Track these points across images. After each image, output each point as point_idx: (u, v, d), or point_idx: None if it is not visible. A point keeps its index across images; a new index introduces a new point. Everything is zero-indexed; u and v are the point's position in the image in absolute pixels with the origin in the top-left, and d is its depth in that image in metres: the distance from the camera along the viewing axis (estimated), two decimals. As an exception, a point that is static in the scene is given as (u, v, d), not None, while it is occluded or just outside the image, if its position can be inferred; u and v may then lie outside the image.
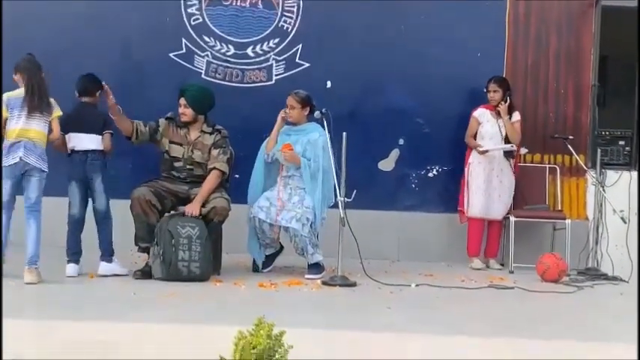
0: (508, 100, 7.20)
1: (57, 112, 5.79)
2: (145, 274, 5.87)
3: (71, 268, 5.90)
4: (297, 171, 6.33)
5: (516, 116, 7.27)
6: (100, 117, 6.09)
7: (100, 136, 6.00)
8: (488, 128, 7.23)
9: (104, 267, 5.97)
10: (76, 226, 6.01)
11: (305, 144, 6.34)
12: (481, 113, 7.27)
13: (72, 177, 6.00)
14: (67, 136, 5.99)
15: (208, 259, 5.85)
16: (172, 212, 6.09)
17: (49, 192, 6.34)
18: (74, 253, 5.96)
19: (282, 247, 6.54)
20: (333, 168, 6.03)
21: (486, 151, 7.13)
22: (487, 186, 7.17)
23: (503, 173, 7.22)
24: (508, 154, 7.22)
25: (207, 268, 5.84)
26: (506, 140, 7.20)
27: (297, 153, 6.27)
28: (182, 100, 6.17)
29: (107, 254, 6.00)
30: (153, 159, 6.47)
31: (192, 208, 5.94)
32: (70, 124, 5.97)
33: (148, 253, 5.98)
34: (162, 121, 6.25)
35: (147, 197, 5.91)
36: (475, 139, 7.24)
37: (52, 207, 6.19)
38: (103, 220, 6.03)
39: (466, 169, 7.27)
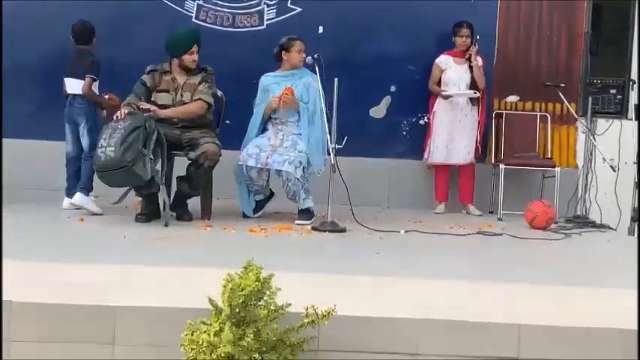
0: (477, 45, 7.21)
1: None
2: (148, 216, 5.94)
3: (66, 201, 6.34)
4: (292, 117, 6.31)
5: (480, 61, 7.28)
6: (86, 63, 6.33)
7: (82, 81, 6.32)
8: (452, 75, 7.24)
9: (78, 197, 6.21)
10: (70, 163, 6.42)
11: (301, 89, 6.31)
12: (444, 60, 7.27)
13: (65, 119, 6.42)
14: (66, 79, 6.39)
15: (128, 146, 5.56)
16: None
17: (44, 136, 6.66)
18: (68, 187, 6.38)
19: (272, 194, 6.55)
20: (325, 114, 6.01)
21: (450, 96, 7.17)
22: (450, 132, 7.23)
23: (466, 118, 7.26)
24: (473, 100, 7.24)
25: (124, 154, 5.54)
26: (472, 86, 7.21)
27: (295, 97, 6.26)
28: (195, 47, 6.14)
29: (84, 188, 6.25)
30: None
31: (158, 112, 5.95)
32: (66, 70, 6.40)
33: (148, 200, 6.03)
34: (146, 78, 6.18)
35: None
36: (440, 87, 7.27)
37: (47, 151, 6.78)
38: (86, 159, 6.30)
39: (430, 117, 7.32)
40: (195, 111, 6.09)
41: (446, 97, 7.20)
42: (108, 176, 5.67)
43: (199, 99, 6.10)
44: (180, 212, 6.10)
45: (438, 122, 7.27)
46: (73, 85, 6.33)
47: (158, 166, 5.84)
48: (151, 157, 5.69)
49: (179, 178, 6.13)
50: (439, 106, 7.28)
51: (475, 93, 7.19)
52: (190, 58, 6.15)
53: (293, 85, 6.30)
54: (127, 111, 5.80)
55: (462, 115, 7.25)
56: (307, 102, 6.29)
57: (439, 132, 7.26)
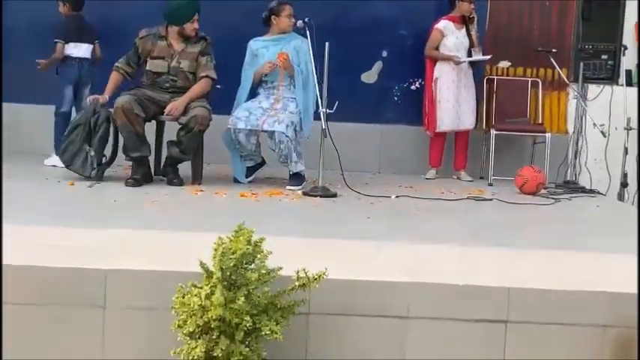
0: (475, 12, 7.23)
1: None
2: (137, 181, 5.93)
3: (54, 159, 6.56)
4: (285, 80, 6.29)
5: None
6: (91, 28, 6.90)
7: (92, 46, 6.88)
8: (453, 40, 7.20)
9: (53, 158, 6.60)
10: (65, 122, 6.59)
11: (291, 52, 6.28)
12: (445, 25, 7.21)
13: (70, 80, 6.77)
14: (66, 44, 6.74)
15: (67, 145, 6.00)
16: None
17: (33, 100, 7.09)
18: (56, 146, 6.55)
19: (263, 161, 6.54)
20: (315, 78, 5.98)
21: (463, 62, 7.14)
22: (458, 97, 7.20)
23: (469, 82, 7.27)
24: (473, 64, 7.24)
25: (63, 154, 6.02)
26: (469, 51, 7.20)
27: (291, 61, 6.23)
28: (197, 16, 6.13)
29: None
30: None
31: (175, 106, 5.96)
32: (69, 34, 6.73)
33: (139, 163, 6.02)
34: (139, 43, 6.16)
35: (130, 106, 5.87)
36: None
37: (34, 114, 6.97)
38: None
39: (433, 85, 7.22)
40: (204, 90, 6.13)
41: (458, 63, 7.14)
42: None
43: (206, 76, 6.11)
44: (171, 177, 6.09)
45: (444, 88, 7.19)
46: (83, 50, 6.78)
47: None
48: (92, 154, 5.93)
49: (169, 142, 6.12)
50: (441, 71, 7.21)
51: (490, 56, 7.21)
52: (192, 27, 6.12)
53: (283, 50, 6.26)
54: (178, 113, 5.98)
55: (465, 80, 7.23)
56: (299, 65, 6.26)
57: (446, 98, 7.18)
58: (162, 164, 6.24)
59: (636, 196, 7.12)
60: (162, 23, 6.21)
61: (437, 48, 7.22)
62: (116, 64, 6.14)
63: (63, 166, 6.17)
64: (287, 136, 6.03)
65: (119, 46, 6.42)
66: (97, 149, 5.99)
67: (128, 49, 6.23)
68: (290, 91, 6.29)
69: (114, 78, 6.15)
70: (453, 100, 7.18)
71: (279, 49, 6.27)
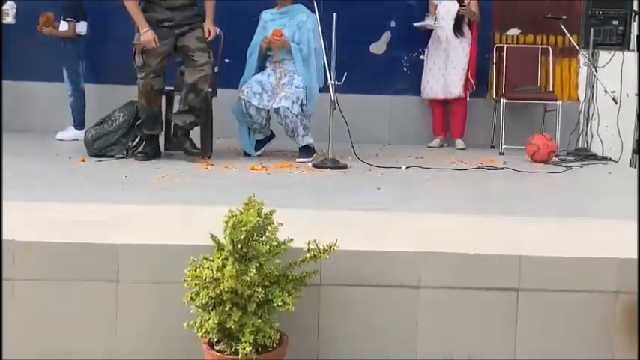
0: None
1: None
2: (147, 155, 5.99)
3: (69, 133, 7.01)
4: (287, 55, 6.26)
5: None
6: (82, 6, 7.15)
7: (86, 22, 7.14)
8: (441, 8, 7.31)
9: (70, 132, 7.02)
10: (84, 96, 7.13)
11: (293, 28, 6.24)
12: None
13: (81, 57, 7.13)
14: (78, 23, 7.03)
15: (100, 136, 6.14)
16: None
17: (41, 78, 7.29)
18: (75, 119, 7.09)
19: (272, 135, 6.53)
20: (324, 51, 5.95)
21: (428, 26, 7.31)
22: (440, 66, 7.29)
23: (454, 52, 7.28)
24: (458, 34, 7.22)
25: (94, 143, 6.13)
26: (458, 19, 7.23)
27: (286, 37, 6.19)
28: None
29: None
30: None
31: (211, 30, 6.03)
32: (78, 13, 7.03)
33: (149, 139, 6.07)
34: None
35: (150, 88, 5.93)
36: None
37: (44, 91, 7.21)
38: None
39: (425, 53, 7.44)
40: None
41: (431, 29, 7.32)
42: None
43: None
44: (188, 146, 6.06)
45: (431, 57, 7.37)
46: (85, 27, 7.08)
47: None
48: (130, 144, 6.15)
49: (177, 114, 6.10)
50: (430, 42, 7.38)
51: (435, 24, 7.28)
52: None
53: (286, 25, 6.24)
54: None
55: (450, 49, 7.26)
56: (299, 42, 6.21)
57: (430, 67, 7.36)
58: (172, 135, 6.23)
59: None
60: None
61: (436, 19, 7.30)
62: None
63: (72, 139, 6.75)
64: (292, 112, 6.04)
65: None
66: (135, 138, 6.19)
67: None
68: (294, 64, 6.26)
69: (135, 6, 5.86)
70: (435, 69, 7.31)
71: (284, 23, 6.25)
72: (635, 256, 3.44)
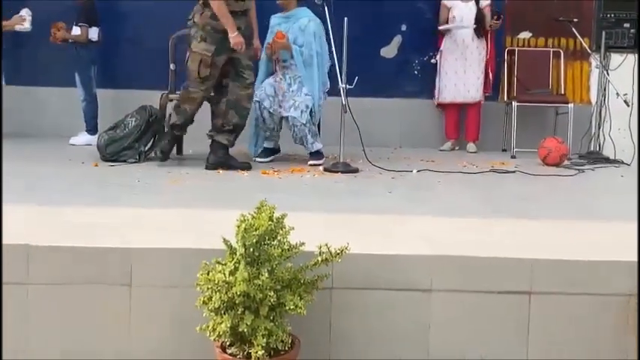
0: None
1: None
2: (165, 153, 6.02)
3: (81, 138, 7.08)
4: (292, 59, 6.28)
5: (487, 0, 7.31)
6: (97, 11, 7.22)
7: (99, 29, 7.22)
8: (456, 13, 7.29)
9: (82, 137, 7.12)
10: (96, 101, 7.19)
11: (296, 31, 6.27)
12: None
13: (93, 62, 7.21)
14: (90, 29, 7.10)
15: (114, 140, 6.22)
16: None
17: (54, 83, 7.37)
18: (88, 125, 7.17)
19: (279, 149, 6.56)
20: (335, 54, 5.96)
21: (448, 30, 7.28)
22: (457, 70, 7.29)
23: (472, 56, 7.30)
24: (477, 37, 7.24)
25: (106, 148, 6.19)
26: (477, 22, 7.23)
27: (288, 40, 6.21)
28: None
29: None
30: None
31: (258, 46, 6.16)
32: (90, 18, 7.11)
33: (173, 140, 6.13)
34: None
35: (206, 97, 5.99)
36: None
37: (56, 97, 7.29)
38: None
39: (438, 57, 7.36)
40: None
41: (445, 32, 7.28)
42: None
43: None
44: (233, 163, 5.96)
45: (444, 61, 7.33)
46: (96, 33, 7.16)
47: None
48: (143, 148, 6.21)
49: (217, 132, 5.97)
50: (445, 45, 7.34)
51: (468, 27, 7.23)
52: None
53: (290, 28, 6.26)
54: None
55: (467, 53, 7.24)
56: (302, 45, 6.23)
57: (446, 71, 7.32)
58: (211, 153, 6.00)
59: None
60: None
61: (447, 23, 7.30)
62: None
63: (85, 144, 6.81)
64: (300, 122, 6.10)
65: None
66: (147, 142, 6.27)
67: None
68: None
69: (224, 8, 5.69)
70: (451, 73, 7.29)
71: (289, 26, 6.28)
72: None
